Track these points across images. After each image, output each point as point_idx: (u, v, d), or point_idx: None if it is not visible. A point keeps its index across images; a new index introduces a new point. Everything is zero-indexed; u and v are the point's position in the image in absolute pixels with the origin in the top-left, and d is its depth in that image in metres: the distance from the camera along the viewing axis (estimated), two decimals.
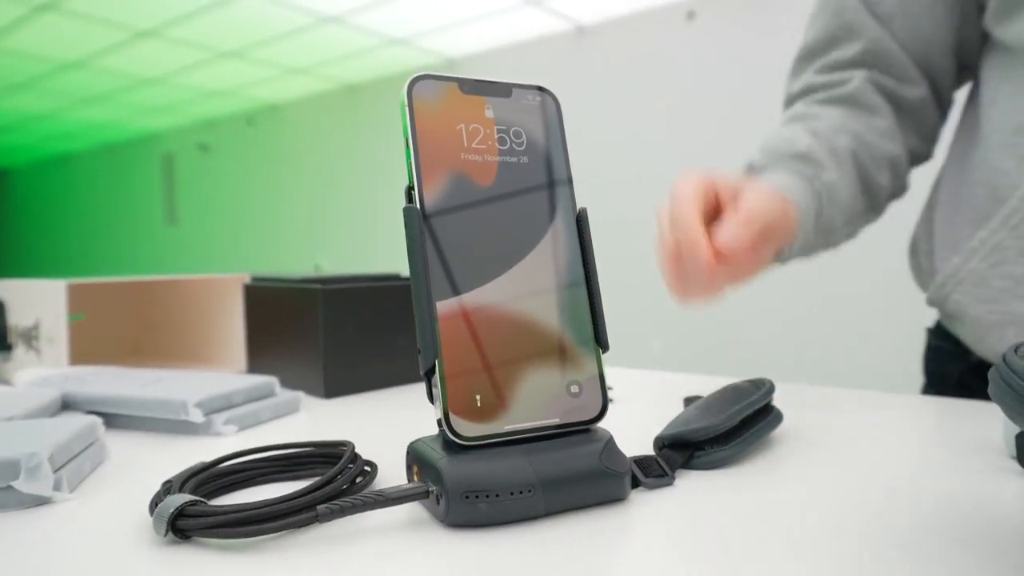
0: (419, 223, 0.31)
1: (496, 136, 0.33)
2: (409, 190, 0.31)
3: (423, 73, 0.33)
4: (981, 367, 0.61)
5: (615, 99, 3.71)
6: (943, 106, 0.67)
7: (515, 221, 0.33)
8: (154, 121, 5.98)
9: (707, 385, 0.60)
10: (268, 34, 3.87)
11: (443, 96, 0.33)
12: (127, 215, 7.02)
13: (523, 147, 0.34)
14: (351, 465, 0.34)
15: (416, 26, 3.78)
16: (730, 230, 0.47)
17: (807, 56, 0.67)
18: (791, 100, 0.68)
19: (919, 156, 0.68)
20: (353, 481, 0.33)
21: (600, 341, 0.33)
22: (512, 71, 4.01)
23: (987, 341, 0.57)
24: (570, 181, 0.34)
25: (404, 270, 0.68)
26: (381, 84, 4.80)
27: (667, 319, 3.53)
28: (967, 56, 0.64)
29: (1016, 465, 0.37)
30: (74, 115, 5.69)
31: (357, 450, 0.42)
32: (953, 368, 0.65)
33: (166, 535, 0.28)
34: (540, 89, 0.35)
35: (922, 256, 0.66)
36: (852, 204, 0.61)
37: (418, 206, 0.31)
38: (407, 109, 0.32)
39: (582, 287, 0.33)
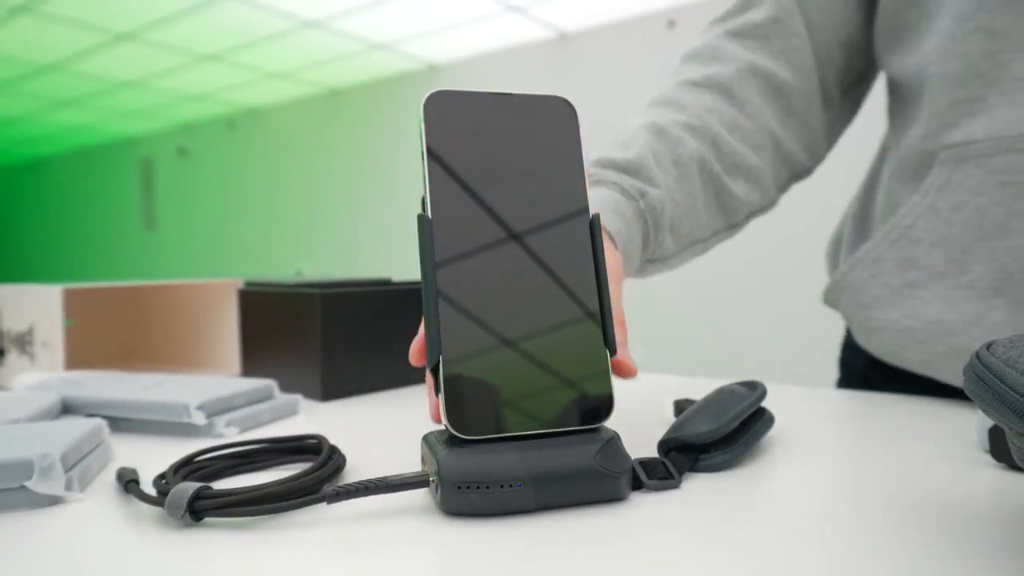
0: (429, 231, 0.32)
1: (510, 146, 0.35)
2: (423, 200, 0.33)
3: (440, 89, 0.34)
4: (875, 362, 0.63)
5: (596, 106, 3.74)
6: (830, 108, 0.63)
7: (526, 227, 0.34)
8: (132, 125, 5.92)
9: (691, 387, 0.62)
10: (249, 38, 3.85)
11: (458, 110, 0.34)
12: (104, 220, 6.93)
13: (537, 155, 0.35)
14: (332, 456, 0.37)
15: (398, 31, 3.78)
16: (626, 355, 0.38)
17: (724, 16, 0.62)
18: (683, 60, 0.62)
19: (797, 169, 0.64)
20: (337, 467, 0.36)
21: (609, 344, 0.34)
22: (494, 78, 4.03)
23: (870, 344, 0.60)
24: (584, 187, 0.35)
25: (395, 275, 0.69)
26: (363, 89, 4.79)
27: (649, 326, 3.56)
28: (858, 60, 0.63)
29: (990, 458, 0.39)
30: (50, 119, 5.61)
31: (357, 449, 0.43)
32: (858, 361, 0.67)
33: (183, 517, 0.30)
34: (557, 99, 0.36)
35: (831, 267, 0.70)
36: (694, 222, 0.56)
37: (429, 215, 0.33)
38: (422, 124, 0.33)
39: (592, 290, 0.34)
